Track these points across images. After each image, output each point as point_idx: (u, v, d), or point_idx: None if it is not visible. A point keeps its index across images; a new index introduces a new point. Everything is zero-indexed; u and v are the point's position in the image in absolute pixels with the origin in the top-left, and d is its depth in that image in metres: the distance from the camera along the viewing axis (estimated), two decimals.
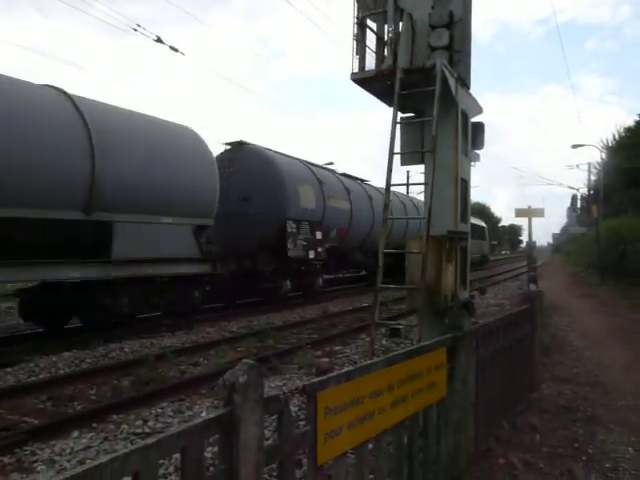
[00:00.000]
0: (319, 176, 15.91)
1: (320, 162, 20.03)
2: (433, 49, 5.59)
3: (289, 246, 13.69)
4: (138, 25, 14.13)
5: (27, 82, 9.34)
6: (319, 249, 14.97)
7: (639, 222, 16.10)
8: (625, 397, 6.26)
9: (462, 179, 5.21)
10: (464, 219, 5.27)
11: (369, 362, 3.00)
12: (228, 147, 14.58)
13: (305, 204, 14.88)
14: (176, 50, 14.68)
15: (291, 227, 14.02)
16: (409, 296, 4.61)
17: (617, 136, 44.44)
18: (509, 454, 4.47)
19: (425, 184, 4.44)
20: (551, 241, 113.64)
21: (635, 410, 5.80)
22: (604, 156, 42.06)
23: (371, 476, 3.15)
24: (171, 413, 5.78)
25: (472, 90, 5.73)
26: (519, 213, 17.63)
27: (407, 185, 6.01)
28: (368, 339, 10.47)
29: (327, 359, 8.10)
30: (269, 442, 2.51)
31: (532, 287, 9.15)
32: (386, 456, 3.14)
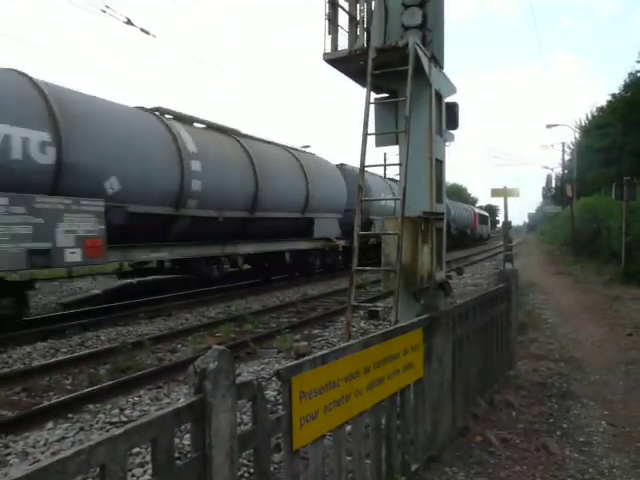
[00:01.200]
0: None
1: (298, 144, 20.25)
2: (406, 28, 5.51)
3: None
4: (107, 6, 13.68)
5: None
6: None
7: (611, 201, 16.35)
8: (598, 372, 6.40)
9: (437, 159, 5.19)
10: (439, 199, 5.26)
11: (344, 345, 2.98)
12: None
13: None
14: (147, 32, 14.31)
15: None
16: (385, 278, 4.59)
17: (590, 116, 45.05)
18: (486, 431, 4.52)
19: (399, 165, 4.40)
20: (527, 220, 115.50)
21: (608, 384, 5.93)
22: (577, 136, 42.63)
23: (349, 458, 3.17)
24: (148, 401, 5.72)
25: (448, 70, 5.68)
26: (495, 193, 17.78)
27: (384, 166, 5.93)
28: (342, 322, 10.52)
29: (306, 343, 8.10)
30: (245, 428, 2.47)
31: (508, 266, 9.24)
32: (363, 438, 3.14)
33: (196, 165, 12.11)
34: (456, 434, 4.43)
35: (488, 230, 64.27)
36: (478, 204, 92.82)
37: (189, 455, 3.81)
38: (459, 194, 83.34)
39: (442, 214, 5.30)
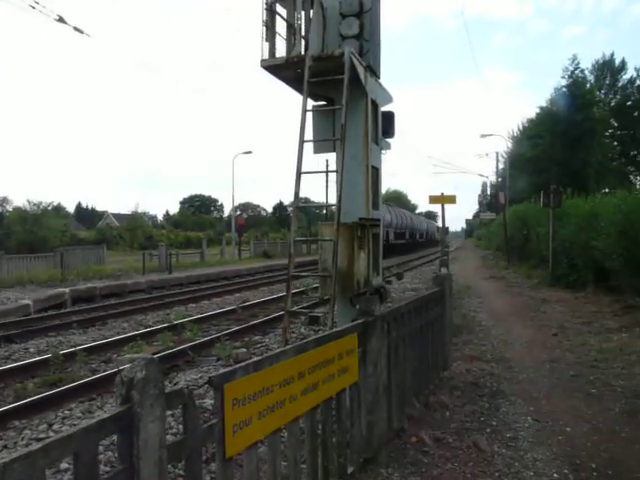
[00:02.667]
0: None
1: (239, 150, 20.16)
2: (344, 38, 5.61)
3: None
4: (36, 2, 13.10)
5: None
6: None
7: (540, 208, 17.20)
8: (526, 370, 6.70)
9: (373, 167, 5.30)
10: (376, 206, 5.37)
11: (278, 351, 2.99)
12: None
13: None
14: (81, 32, 13.83)
15: None
16: (322, 283, 4.64)
17: (521, 127, 47.21)
18: (421, 432, 4.64)
19: (335, 172, 4.47)
20: (464, 226, 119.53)
21: (534, 382, 6.22)
22: (510, 146, 44.57)
23: (285, 463, 3.18)
24: (80, 414, 5.51)
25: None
26: (432, 200, 18.32)
27: (326, 173, 5.96)
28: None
29: (245, 350, 8.05)
30: (175, 438, 2.43)
31: (443, 270, 9.53)
32: (299, 443, 3.16)
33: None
34: (392, 436, 4.52)
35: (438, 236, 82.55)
36: (418, 210, 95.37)
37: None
38: (399, 200, 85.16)
39: (378, 220, 5.42)
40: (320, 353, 3.33)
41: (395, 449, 4.32)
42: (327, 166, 23.69)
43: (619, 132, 45.57)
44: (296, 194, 4.50)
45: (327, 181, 24.48)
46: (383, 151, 5.81)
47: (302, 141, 4.62)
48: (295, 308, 10.69)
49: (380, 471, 3.93)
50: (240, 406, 2.57)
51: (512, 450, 4.36)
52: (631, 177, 43.08)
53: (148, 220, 76.69)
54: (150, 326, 11.13)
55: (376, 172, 5.46)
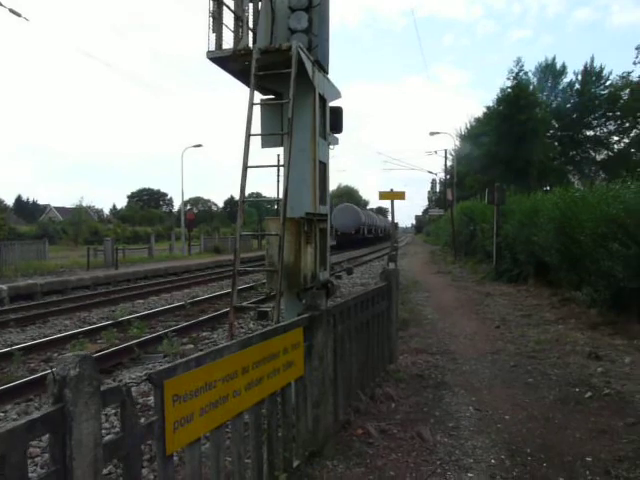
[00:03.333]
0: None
1: (187, 144, 19.72)
2: (293, 32, 5.59)
3: None
4: None
5: None
6: None
7: (485, 205, 17.75)
8: (469, 362, 6.92)
9: (321, 162, 5.32)
10: (323, 201, 5.40)
11: (221, 346, 2.96)
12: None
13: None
14: (18, 15, 13.18)
15: None
16: (269, 278, 4.63)
17: (469, 125, 48.53)
18: (366, 424, 4.72)
19: (281, 166, 4.46)
20: (414, 222, 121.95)
21: (476, 373, 6.43)
22: (458, 143, 45.73)
23: (229, 459, 3.16)
24: (15, 416, 5.29)
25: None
26: (382, 196, 18.58)
27: (276, 167, 5.92)
28: (237, 323, 10.42)
29: (192, 346, 7.93)
30: (112, 436, 2.37)
31: (391, 265, 9.69)
32: (243, 438, 3.14)
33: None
34: (338, 428, 4.57)
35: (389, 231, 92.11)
36: (369, 206, 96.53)
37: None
38: (350, 196, 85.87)
39: (326, 215, 5.44)
40: (265, 347, 3.32)
41: (341, 441, 4.38)
42: (278, 161, 23.57)
43: (559, 133, 47.59)
44: (242, 188, 4.46)
45: (278, 176, 24.40)
46: (331, 146, 5.85)
47: (249, 135, 4.58)
48: (244, 303, 10.63)
49: (326, 463, 3.97)
50: (181, 402, 2.53)
51: (454, 439, 4.49)
52: (570, 176, 45.02)
53: (94, 214, 74.27)
54: (94, 323, 10.82)
55: (324, 167, 5.48)
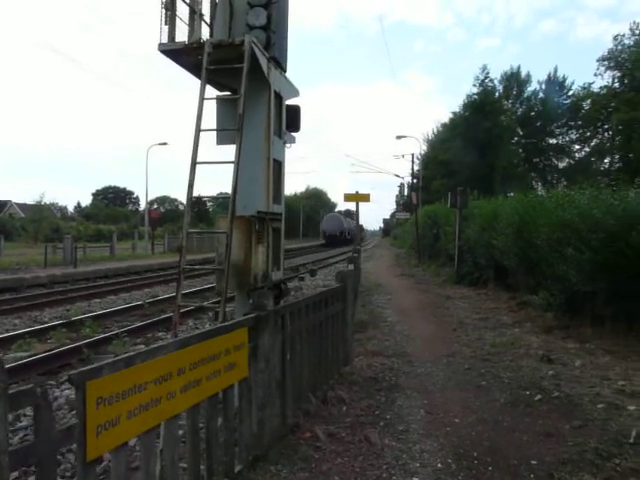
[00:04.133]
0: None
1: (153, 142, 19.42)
2: (251, 28, 5.49)
3: None
4: None
5: None
6: None
7: (449, 208, 17.95)
8: (424, 365, 6.92)
9: (275, 160, 5.23)
10: (277, 200, 5.31)
11: (154, 346, 2.84)
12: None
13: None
14: None
15: None
16: (218, 277, 4.51)
17: (436, 130, 49.18)
18: (315, 427, 4.64)
19: (231, 162, 4.35)
20: (382, 225, 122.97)
21: (430, 376, 6.43)
22: (425, 148, 46.28)
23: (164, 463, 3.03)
24: None
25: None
26: (347, 198, 18.56)
27: (237, 164, 5.76)
28: (193, 324, 10.23)
29: (144, 346, 7.72)
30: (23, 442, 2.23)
31: (350, 267, 9.67)
32: (177, 442, 3.02)
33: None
34: (286, 432, 4.48)
35: (365, 234, 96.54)
36: (337, 209, 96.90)
37: None
38: (319, 198, 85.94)
39: (280, 215, 5.36)
40: (204, 348, 3.21)
41: (288, 445, 4.28)
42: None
43: (524, 140, 48.70)
44: (190, 185, 4.34)
45: (237, 171, 24.17)
46: (287, 145, 5.76)
47: (199, 130, 4.46)
48: (206, 303, 10.40)
49: (269, 468, 3.88)
50: (106, 405, 2.40)
51: (402, 442, 4.45)
52: (533, 182, 46.10)
53: (57, 212, 72.34)
54: (45, 323, 10.44)
55: (279, 166, 5.39)
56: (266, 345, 3.98)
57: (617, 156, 37.06)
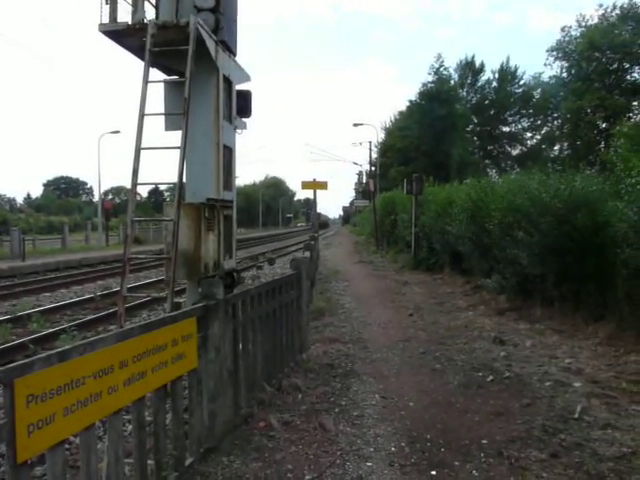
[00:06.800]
0: None
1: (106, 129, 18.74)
2: (199, 10, 5.30)
3: None
4: None
5: None
6: None
7: (405, 196, 18.11)
8: (380, 350, 6.96)
9: (226, 146, 5.09)
10: (228, 187, 5.18)
11: (93, 339, 2.71)
12: None
13: None
14: None
15: None
16: (167, 266, 4.37)
17: (393, 118, 49.53)
18: (269, 416, 4.58)
19: (177, 148, 4.20)
20: (342, 213, 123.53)
21: (386, 361, 6.47)
22: (382, 136, 46.55)
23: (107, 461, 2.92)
24: None
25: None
26: (305, 186, 18.52)
27: (183, 149, 5.55)
28: (147, 315, 9.99)
29: None
30: None
31: (306, 254, 9.63)
32: (120, 438, 2.91)
33: None
34: (240, 422, 4.41)
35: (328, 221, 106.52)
36: (297, 198, 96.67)
37: None
38: (278, 187, 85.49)
39: (231, 202, 5.24)
40: (149, 339, 3.09)
41: (241, 436, 4.22)
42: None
43: (478, 128, 49.62)
44: (135, 171, 4.16)
45: (184, 157, 23.63)
46: (239, 130, 5.63)
47: (142, 114, 4.27)
48: (163, 295, 10.14)
49: (222, 460, 3.81)
50: (38, 402, 2.27)
51: (356, 428, 4.45)
52: (488, 169, 47.09)
53: (5, 203, 69.47)
54: None
55: (229, 151, 5.26)
56: (216, 335, 3.88)
57: (566, 143, 38.18)
